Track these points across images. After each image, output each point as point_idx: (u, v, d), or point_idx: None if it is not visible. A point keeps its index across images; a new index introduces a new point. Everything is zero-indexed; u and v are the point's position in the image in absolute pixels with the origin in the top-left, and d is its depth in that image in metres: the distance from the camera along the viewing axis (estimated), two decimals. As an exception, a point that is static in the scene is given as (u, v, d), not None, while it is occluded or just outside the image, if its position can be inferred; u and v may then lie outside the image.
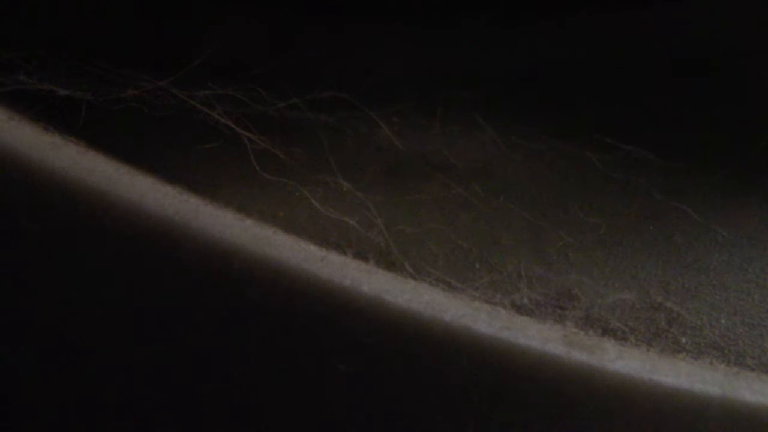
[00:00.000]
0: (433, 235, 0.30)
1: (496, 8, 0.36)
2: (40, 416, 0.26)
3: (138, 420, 0.25)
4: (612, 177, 0.33)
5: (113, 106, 0.29)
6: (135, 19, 0.34)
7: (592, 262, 0.30)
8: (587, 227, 0.31)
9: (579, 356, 0.24)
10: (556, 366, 0.24)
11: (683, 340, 0.28)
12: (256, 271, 0.24)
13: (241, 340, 0.24)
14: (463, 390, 0.24)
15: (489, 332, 0.24)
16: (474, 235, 0.30)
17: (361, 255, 0.27)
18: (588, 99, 0.36)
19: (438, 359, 0.24)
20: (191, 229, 0.24)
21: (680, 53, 0.37)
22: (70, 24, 0.33)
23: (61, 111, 0.28)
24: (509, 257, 0.30)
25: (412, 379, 0.24)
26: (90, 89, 0.29)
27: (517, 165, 0.33)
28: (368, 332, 0.24)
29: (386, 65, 0.35)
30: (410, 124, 0.33)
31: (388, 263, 0.27)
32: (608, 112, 0.35)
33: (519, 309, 0.27)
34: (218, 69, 0.31)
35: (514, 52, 0.37)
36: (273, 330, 0.24)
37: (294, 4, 0.35)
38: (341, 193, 0.30)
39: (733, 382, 0.25)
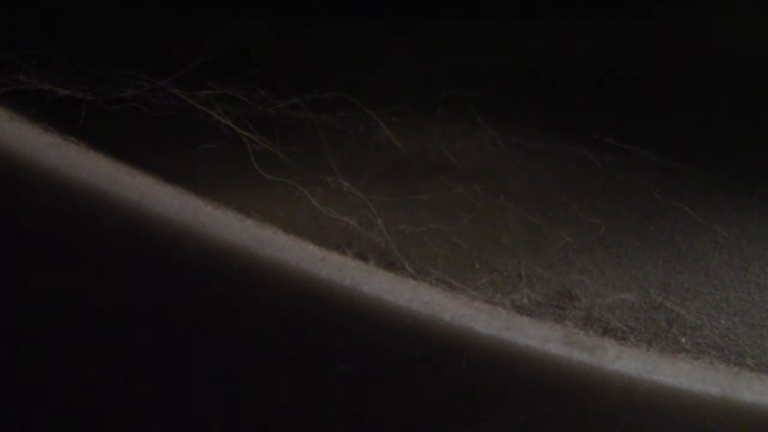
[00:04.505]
0: (433, 235, 0.30)
1: (496, 8, 0.36)
2: (40, 416, 0.26)
3: (137, 420, 0.25)
4: (612, 177, 0.33)
5: (113, 106, 0.29)
6: (135, 19, 0.34)
7: (592, 262, 0.30)
8: (587, 227, 0.31)
9: (579, 356, 0.24)
10: (556, 366, 0.24)
11: (683, 340, 0.28)
12: (256, 271, 0.24)
13: (241, 340, 0.24)
14: (463, 390, 0.24)
15: (489, 332, 0.24)
16: (474, 235, 0.30)
17: (361, 255, 0.27)
18: (588, 99, 0.36)
19: (438, 359, 0.24)
20: (191, 229, 0.24)
21: (680, 53, 0.37)
22: (70, 24, 0.33)
23: (61, 111, 0.28)
24: (509, 257, 0.30)
25: (412, 379, 0.24)
26: (90, 89, 0.29)
27: (517, 165, 0.33)
28: (368, 332, 0.24)
29: (386, 65, 0.35)
30: (410, 124, 0.33)
31: (388, 263, 0.27)
32: (608, 112, 0.35)
33: (519, 309, 0.27)
34: (218, 69, 0.31)
35: (514, 52, 0.37)
36: (273, 330, 0.24)
37: (294, 4, 0.35)
38: (341, 193, 0.30)
39: (733, 382, 0.25)
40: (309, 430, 0.25)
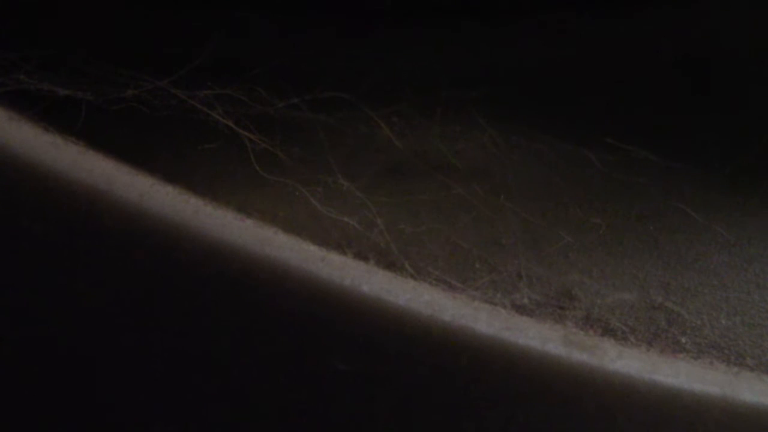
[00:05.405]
0: (433, 235, 0.30)
1: (496, 8, 0.36)
2: (41, 416, 0.26)
3: (137, 420, 0.25)
4: (612, 177, 0.33)
5: (113, 106, 0.29)
6: (135, 19, 0.34)
7: (592, 262, 0.30)
8: (587, 227, 0.31)
9: (579, 356, 0.24)
10: (556, 366, 0.24)
11: (683, 340, 0.28)
12: (256, 271, 0.24)
13: (240, 340, 0.24)
14: (463, 390, 0.24)
15: (489, 332, 0.24)
16: (474, 235, 0.30)
17: (361, 255, 0.27)
18: (588, 99, 0.36)
19: (438, 359, 0.24)
20: (191, 229, 0.24)
21: (680, 54, 0.37)
22: (70, 24, 0.33)
23: (61, 111, 0.28)
24: (509, 257, 0.30)
25: (412, 379, 0.24)
26: (90, 89, 0.29)
27: (517, 165, 0.33)
28: (368, 332, 0.24)
29: (386, 65, 0.35)
30: (410, 124, 0.33)
31: (388, 263, 0.27)
32: (608, 112, 0.35)
33: (519, 309, 0.27)
34: (218, 69, 0.31)
35: (513, 52, 0.37)
36: (273, 330, 0.24)
37: (295, 4, 0.35)
38: (341, 193, 0.30)
39: (733, 382, 0.25)
40: (309, 429, 0.25)
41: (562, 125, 0.34)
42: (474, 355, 0.24)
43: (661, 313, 0.29)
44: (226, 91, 0.31)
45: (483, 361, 0.24)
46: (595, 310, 0.28)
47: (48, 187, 0.24)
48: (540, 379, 0.24)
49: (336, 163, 0.31)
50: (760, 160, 0.34)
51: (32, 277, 0.25)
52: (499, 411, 0.24)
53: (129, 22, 0.34)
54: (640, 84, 0.36)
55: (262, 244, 0.24)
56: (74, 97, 0.29)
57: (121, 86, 0.30)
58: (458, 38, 0.36)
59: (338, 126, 0.33)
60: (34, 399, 0.26)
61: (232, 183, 0.30)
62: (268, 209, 0.29)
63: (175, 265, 0.24)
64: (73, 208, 0.24)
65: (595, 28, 0.37)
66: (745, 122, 0.36)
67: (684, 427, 0.24)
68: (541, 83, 0.36)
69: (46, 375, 0.25)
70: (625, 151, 0.33)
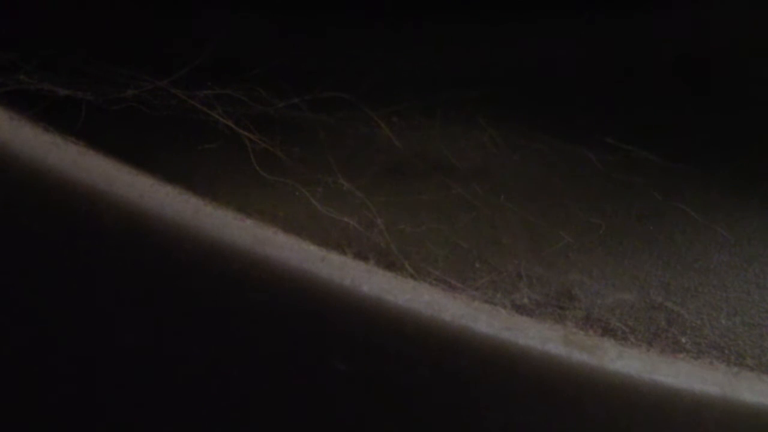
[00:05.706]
0: (433, 235, 0.30)
1: (496, 8, 0.36)
2: (40, 416, 0.26)
3: (137, 420, 0.25)
4: (612, 177, 0.33)
5: (113, 106, 0.29)
6: (135, 19, 0.34)
7: (592, 262, 0.30)
8: (587, 227, 0.31)
9: (579, 356, 0.24)
10: (556, 366, 0.24)
11: (683, 340, 0.28)
12: (256, 271, 0.24)
13: (240, 341, 0.24)
14: (463, 390, 0.24)
15: (489, 332, 0.24)
16: (474, 235, 0.30)
17: (361, 255, 0.27)
18: (588, 99, 0.36)
19: (438, 359, 0.24)
20: (191, 229, 0.24)
21: (680, 54, 0.37)
22: (70, 24, 0.33)
23: (61, 111, 0.28)
24: (509, 257, 0.30)
25: (412, 379, 0.24)
26: (90, 89, 0.29)
27: (517, 165, 0.33)
28: (368, 332, 0.24)
29: (386, 65, 0.35)
30: (410, 124, 0.33)
31: (388, 263, 0.27)
32: (608, 113, 0.35)
33: (519, 309, 0.27)
34: (218, 69, 0.31)
35: (513, 52, 0.37)
36: (273, 330, 0.24)
37: (294, 4, 0.35)
38: (341, 193, 0.30)
39: (733, 382, 0.25)
40: (309, 429, 0.25)
41: (562, 125, 0.34)
42: (474, 355, 0.24)
43: (661, 313, 0.29)
44: (226, 91, 0.31)
45: (483, 361, 0.24)
46: (595, 310, 0.28)
47: (48, 187, 0.24)
48: (540, 379, 0.24)
49: (336, 163, 0.31)
50: (760, 160, 0.34)
51: (32, 277, 0.25)
52: (499, 411, 0.24)
53: (129, 22, 0.34)
54: (640, 84, 0.36)
55: (262, 244, 0.24)
56: (74, 97, 0.29)
57: (121, 86, 0.30)
58: (458, 38, 0.36)
59: (338, 126, 0.33)
60: (34, 399, 0.26)
61: (232, 183, 0.30)
62: (268, 209, 0.29)
63: (175, 265, 0.24)
64: (73, 208, 0.24)
65: (595, 28, 0.37)
66: (745, 122, 0.36)
67: (684, 427, 0.24)
68: (541, 83, 0.36)
69: (46, 375, 0.25)
70: (625, 151, 0.33)
